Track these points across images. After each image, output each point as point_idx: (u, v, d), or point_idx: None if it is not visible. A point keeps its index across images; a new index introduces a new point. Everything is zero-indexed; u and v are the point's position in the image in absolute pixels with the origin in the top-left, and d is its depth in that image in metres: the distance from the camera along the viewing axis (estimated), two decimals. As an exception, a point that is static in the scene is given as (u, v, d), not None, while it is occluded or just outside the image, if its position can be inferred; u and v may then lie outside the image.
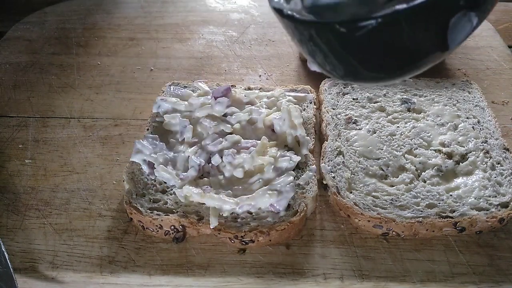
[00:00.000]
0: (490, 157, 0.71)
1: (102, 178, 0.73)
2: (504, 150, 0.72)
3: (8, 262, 0.59)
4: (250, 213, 0.64)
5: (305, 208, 0.64)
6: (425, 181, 0.68)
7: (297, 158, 0.68)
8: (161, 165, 0.67)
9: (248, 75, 0.94)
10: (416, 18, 0.35)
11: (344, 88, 0.84)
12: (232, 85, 0.80)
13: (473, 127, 0.76)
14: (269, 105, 0.77)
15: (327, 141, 0.74)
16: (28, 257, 0.63)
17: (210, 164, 0.68)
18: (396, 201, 0.65)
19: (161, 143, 0.70)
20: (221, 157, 0.68)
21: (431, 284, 0.59)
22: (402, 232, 0.63)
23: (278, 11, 0.41)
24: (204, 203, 0.64)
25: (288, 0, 0.43)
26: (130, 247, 0.64)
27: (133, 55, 1.01)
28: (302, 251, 0.63)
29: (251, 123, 0.74)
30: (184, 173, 0.66)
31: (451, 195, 0.66)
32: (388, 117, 0.78)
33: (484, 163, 0.70)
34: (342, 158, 0.71)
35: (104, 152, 0.78)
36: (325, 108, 0.79)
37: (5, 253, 0.60)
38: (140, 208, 0.64)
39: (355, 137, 0.74)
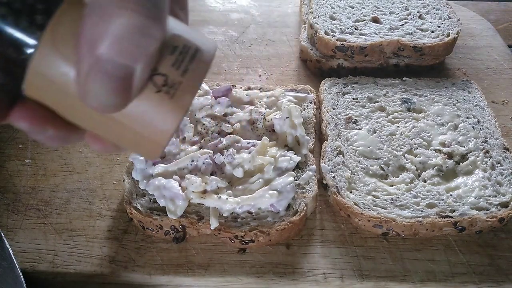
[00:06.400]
0: (490, 157, 0.71)
1: (102, 178, 0.73)
2: (504, 150, 0.72)
3: (13, 257, 0.59)
4: (250, 213, 0.64)
5: (305, 208, 0.64)
6: (425, 181, 0.68)
7: (297, 158, 0.68)
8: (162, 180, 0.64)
9: (248, 75, 0.94)
10: None
11: (344, 88, 0.84)
12: (232, 85, 0.80)
13: (473, 127, 0.76)
14: (269, 105, 0.77)
15: (327, 141, 0.74)
16: (29, 257, 0.63)
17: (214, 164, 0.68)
18: (396, 200, 0.65)
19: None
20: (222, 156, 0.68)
21: (431, 284, 0.60)
22: (402, 231, 0.63)
23: None
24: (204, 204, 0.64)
25: None
26: (130, 247, 0.64)
27: (133, 55, 1.00)
28: (302, 251, 0.63)
29: (251, 123, 0.74)
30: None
31: (451, 195, 0.66)
32: (388, 117, 0.78)
33: (484, 163, 0.70)
34: (342, 157, 0.71)
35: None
36: (325, 108, 0.79)
37: (9, 249, 0.60)
38: (140, 208, 0.64)
39: (355, 136, 0.74)
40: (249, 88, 0.83)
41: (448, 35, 0.89)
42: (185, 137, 0.71)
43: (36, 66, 0.28)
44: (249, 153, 0.68)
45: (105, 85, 0.25)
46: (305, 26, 0.98)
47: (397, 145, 0.73)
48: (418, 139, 0.74)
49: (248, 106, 0.77)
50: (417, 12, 0.96)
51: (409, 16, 0.95)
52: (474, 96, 0.82)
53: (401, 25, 0.93)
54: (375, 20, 0.95)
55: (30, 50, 0.28)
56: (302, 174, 0.68)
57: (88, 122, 0.31)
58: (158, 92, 0.28)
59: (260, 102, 0.78)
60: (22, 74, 0.28)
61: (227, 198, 0.62)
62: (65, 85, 0.28)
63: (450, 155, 0.71)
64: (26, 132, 0.31)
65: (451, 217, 0.63)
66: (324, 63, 0.91)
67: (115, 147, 0.33)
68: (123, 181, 0.68)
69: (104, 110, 0.27)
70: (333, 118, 0.77)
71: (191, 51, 0.29)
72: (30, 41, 0.27)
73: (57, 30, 0.27)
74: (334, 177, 0.68)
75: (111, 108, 0.27)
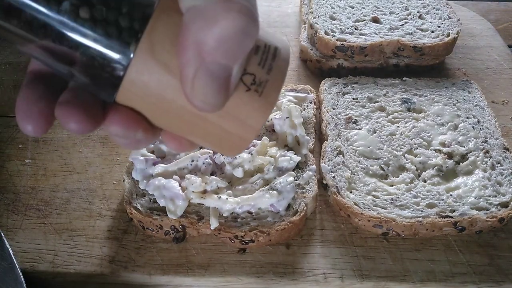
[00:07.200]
0: (490, 157, 0.71)
1: (102, 178, 0.73)
2: (504, 150, 0.72)
3: (13, 257, 0.59)
4: (250, 213, 0.64)
5: (305, 208, 0.64)
6: (425, 181, 0.68)
7: (297, 158, 0.68)
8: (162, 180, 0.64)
9: (248, 75, 0.94)
10: None
11: (344, 88, 0.84)
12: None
13: (473, 127, 0.76)
14: (269, 105, 0.77)
15: (327, 141, 0.74)
16: (28, 257, 0.63)
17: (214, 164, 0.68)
18: (396, 200, 0.65)
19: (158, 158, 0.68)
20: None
21: (431, 284, 0.59)
22: (402, 231, 0.63)
23: None
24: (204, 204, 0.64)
25: None
26: (130, 247, 0.64)
27: (133, 55, 1.00)
28: (302, 251, 0.63)
29: (251, 123, 0.74)
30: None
31: (451, 195, 0.66)
32: (388, 117, 0.78)
33: (484, 163, 0.70)
34: (342, 157, 0.71)
35: (104, 152, 0.78)
36: (325, 108, 0.79)
37: (9, 249, 0.60)
38: (140, 208, 0.64)
39: (355, 136, 0.74)
40: (249, 88, 0.82)
41: (448, 35, 0.89)
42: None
43: (132, 76, 0.27)
44: (249, 153, 0.68)
45: (211, 85, 0.26)
46: (305, 26, 0.98)
47: (397, 145, 0.73)
48: (418, 139, 0.74)
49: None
50: (417, 12, 0.96)
51: (409, 16, 0.95)
52: (474, 96, 0.82)
53: (401, 25, 0.93)
54: (375, 20, 0.95)
55: (125, 61, 0.27)
56: (302, 174, 0.68)
57: (177, 124, 0.31)
58: (248, 90, 0.29)
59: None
60: (116, 83, 0.28)
61: (227, 198, 0.62)
62: (161, 91, 0.28)
63: (450, 155, 0.71)
64: (112, 136, 0.31)
65: (451, 217, 0.63)
66: (324, 63, 0.91)
67: (191, 144, 0.34)
68: (123, 181, 0.68)
69: (209, 109, 0.28)
70: (333, 118, 0.77)
71: (271, 50, 0.30)
72: (126, 51, 0.27)
73: (153, 38, 0.27)
74: (334, 177, 0.68)
75: (214, 107, 0.28)
